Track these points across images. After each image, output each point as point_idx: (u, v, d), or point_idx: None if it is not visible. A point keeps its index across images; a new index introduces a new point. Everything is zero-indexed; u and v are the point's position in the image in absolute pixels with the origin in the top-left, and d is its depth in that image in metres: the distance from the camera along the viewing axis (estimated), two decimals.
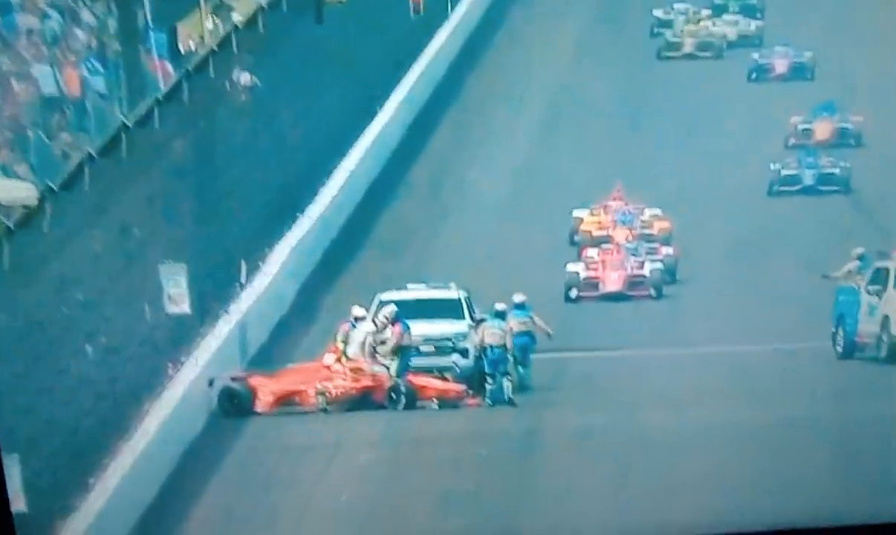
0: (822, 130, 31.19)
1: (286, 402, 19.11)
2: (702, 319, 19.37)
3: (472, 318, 20.22)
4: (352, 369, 19.65)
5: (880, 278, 19.95)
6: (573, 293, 20.67)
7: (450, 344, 19.69)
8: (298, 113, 25.88)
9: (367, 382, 19.45)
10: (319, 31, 27.15)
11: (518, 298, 19.27)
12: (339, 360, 19.63)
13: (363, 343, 19.26)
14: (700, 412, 16.30)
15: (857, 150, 27.76)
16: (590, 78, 32.09)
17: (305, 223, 24.92)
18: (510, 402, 17.99)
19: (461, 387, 19.14)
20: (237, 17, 23.13)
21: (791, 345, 18.26)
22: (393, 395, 18.88)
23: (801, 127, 31.25)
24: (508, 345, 18.22)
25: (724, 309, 19.65)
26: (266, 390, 19.25)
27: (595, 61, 33.32)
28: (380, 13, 32.35)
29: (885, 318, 19.56)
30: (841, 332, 19.93)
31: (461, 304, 20.37)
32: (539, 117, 32.16)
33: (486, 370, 18.44)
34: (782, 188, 26.89)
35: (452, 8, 41.24)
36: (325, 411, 18.67)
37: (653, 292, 20.77)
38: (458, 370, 19.40)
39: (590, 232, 24.29)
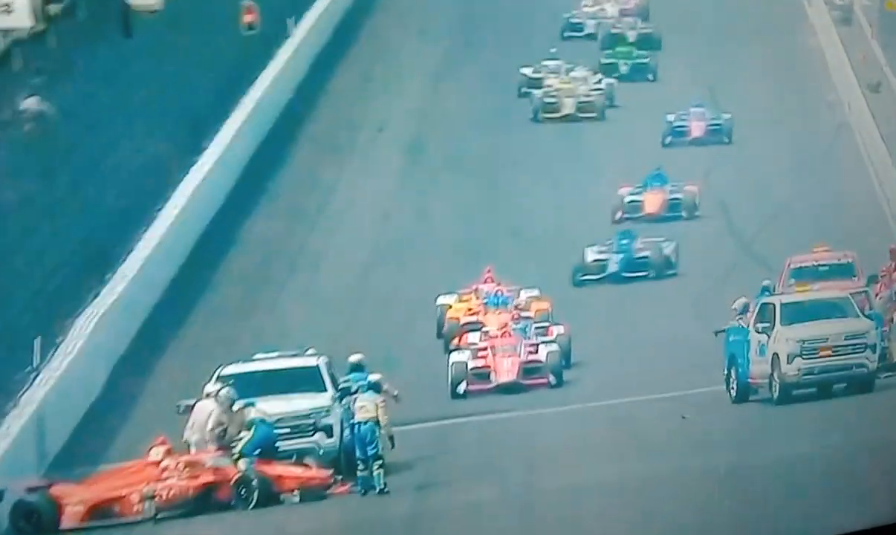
0: (652, 201, 31.99)
1: (102, 513, 18.05)
2: (590, 376, 19.62)
3: (335, 388, 19.46)
4: (187, 464, 18.69)
5: (766, 315, 20.99)
6: (462, 388, 20.58)
7: (309, 422, 18.87)
8: (103, 146, 24.92)
9: (207, 477, 18.49)
10: (129, 45, 26.32)
11: (354, 358, 18.67)
12: (168, 454, 18.69)
13: (207, 428, 18.29)
14: (595, 470, 16.57)
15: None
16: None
17: (117, 285, 24.01)
18: (382, 491, 17.28)
19: (326, 473, 18.33)
20: (17, 22, 21.52)
21: (686, 391, 18.99)
22: (242, 490, 17.95)
23: (629, 199, 32.02)
24: (381, 420, 17.50)
25: (612, 365, 20.02)
26: (74, 499, 18.12)
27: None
28: (204, 27, 31.70)
29: (775, 356, 20.59)
30: (734, 374, 20.97)
31: (320, 372, 19.59)
32: (400, 162, 32.98)
33: (357, 453, 17.65)
34: (584, 277, 27.48)
35: (296, 23, 40.81)
36: (155, 518, 17.70)
37: (552, 378, 20.90)
38: (322, 453, 18.59)
39: (457, 319, 24.18)
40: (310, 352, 20.20)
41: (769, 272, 21.00)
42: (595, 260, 27.11)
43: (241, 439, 18.29)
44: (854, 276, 24.02)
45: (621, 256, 27.91)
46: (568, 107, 39.19)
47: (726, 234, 28.40)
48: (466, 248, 25.72)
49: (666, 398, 18.56)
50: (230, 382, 19.12)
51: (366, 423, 18.04)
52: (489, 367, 20.41)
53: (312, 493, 18.44)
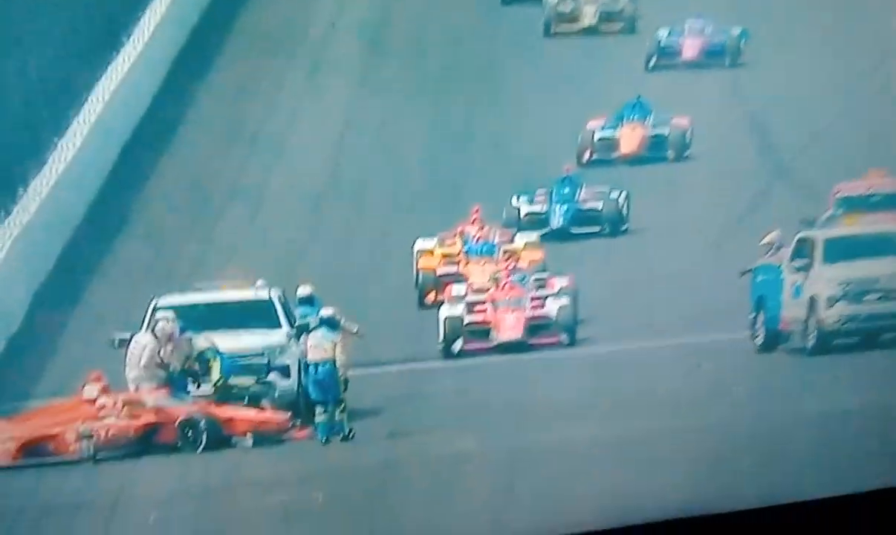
0: (630, 138, 28.93)
1: (35, 450, 18.51)
2: (597, 314, 19.45)
3: (291, 324, 19.75)
4: (126, 403, 19.04)
5: (805, 251, 20.31)
6: (456, 346, 19.86)
7: (263, 361, 19.23)
8: (9, 46, 24.63)
9: (148, 417, 18.96)
10: None
11: (303, 291, 18.49)
12: (105, 392, 19.01)
13: (141, 364, 18.55)
14: (590, 423, 16.52)
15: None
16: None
17: (31, 204, 23.85)
18: (347, 436, 17.64)
19: (283, 416, 18.80)
20: None
21: (702, 338, 18.50)
22: (188, 432, 18.40)
23: (599, 136, 29.03)
24: (340, 361, 17.79)
25: (623, 302, 19.82)
26: (4, 436, 18.63)
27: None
28: None
29: (812, 299, 19.92)
30: (761, 318, 20.20)
31: (274, 306, 19.81)
32: (359, 67, 31.05)
33: (313, 396, 18.01)
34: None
35: None
36: (94, 459, 18.20)
37: (564, 337, 20.11)
38: (278, 395, 19.00)
39: (432, 270, 22.65)
40: (259, 284, 20.24)
41: (810, 203, 20.36)
42: (529, 214, 26.79)
43: (208, 376, 18.42)
44: None
45: (565, 207, 25.77)
46: (589, 17, 35.66)
47: (737, 173, 25.99)
48: (443, 181, 25.95)
49: (678, 345, 18.32)
50: (170, 313, 19.24)
51: (323, 364, 18.25)
52: (489, 323, 19.91)
53: (268, 437, 18.83)
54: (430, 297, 21.70)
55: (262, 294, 20.30)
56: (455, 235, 23.25)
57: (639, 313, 19.57)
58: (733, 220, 20.76)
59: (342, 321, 18.53)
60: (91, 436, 18.40)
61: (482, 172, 26.50)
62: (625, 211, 25.96)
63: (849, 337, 19.52)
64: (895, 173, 21.22)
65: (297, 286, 18.25)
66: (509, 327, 20.49)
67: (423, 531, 15.30)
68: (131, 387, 19.44)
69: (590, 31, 34.60)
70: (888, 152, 21.18)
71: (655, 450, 16.33)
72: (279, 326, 20.15)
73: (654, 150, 28.30)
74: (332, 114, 28.70)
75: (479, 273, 22.08)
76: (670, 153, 27.61)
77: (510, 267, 21.92)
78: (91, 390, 18.97)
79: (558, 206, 25.58)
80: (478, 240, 22.81)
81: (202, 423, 19.38)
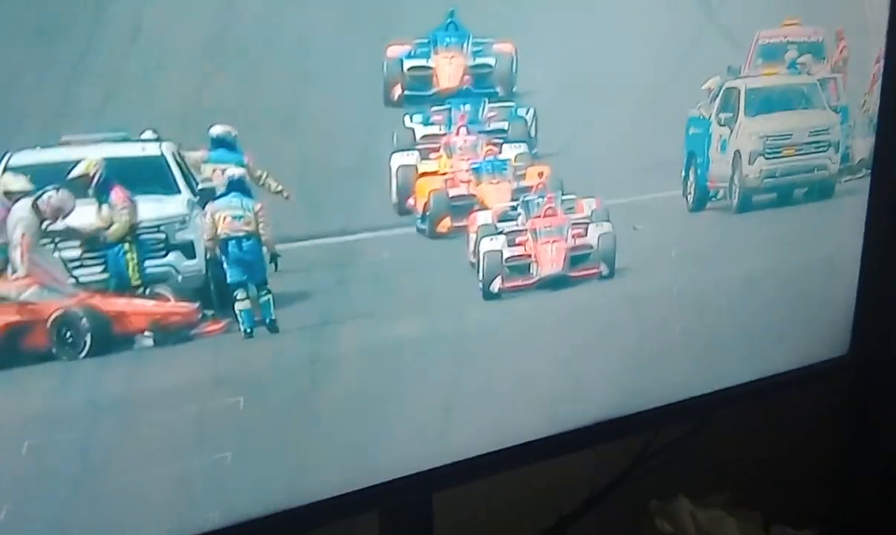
0: (450, 71, 25.20)
1: None
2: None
3: (193, 189, 15.35)
4: None
5: (730, 103, 18.80)
6: (496, 286, 16.83)
7: (159, 237, 14.84)
8: None
9: (9, 316, 14.79)
10: None
11: (217, 130, 14.02)
12: None
13: (17, 234, 14.18)
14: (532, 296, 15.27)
15: None
16: None
17: None
18: (272, 325, 13.80)
19: (190, 306, 14.62)
20: None
21: (636, 197, 17.02)
22: (65, 332, 14.26)
23: (410, 66, 25.02)
24: (263, 234, 13.81)
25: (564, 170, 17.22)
26: None
27: None
28: None
29: (736, 154, 18.63)
30: (692, 176, 19.09)
31: (167, 164, 15.23)
32: None
33: (231, 279, 13.91)
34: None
35: None
36: None
37: (604, 268, 17.51)
38: (181, 279, 14.76)
39: (443, 191, 18.75)
40: (147, 135, 15.38)
41: (737, 51, 18.57)
42: (427, 136, 21.57)
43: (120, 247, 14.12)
44: (823, 58, 21.70)
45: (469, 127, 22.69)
46: None
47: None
48: None
49: (614, 207, 16.10)
50: (27, 175, 14.66)
51: (246, 238, 14.18)
52: (530, 256, 16.86)
53: (172, 334, 14.70)
54: (444, 225, 17.94)
55: (151, 149, 15.60)
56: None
57: (577, 177, 17.47)
58: (667, 71, 19.07)
59: (264, 177, 14.47)
60: None
61: None
62: (533, 131, 22.08)
63: (768, 193, 18.97)
64: (809, 22, 20.14)
65: (209, 127, 13.86)
66: (550, 260, 17.94)
67: (363, 434, 13.01)
68: None
69: None
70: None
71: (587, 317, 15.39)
72: (177, 191, 15.58)
73: (478, 85, 24.18)
74: None
75: (494, 195, 18.44)
76: (499, 89, 23.21)
77: (537, 186, 18.69)
78: None
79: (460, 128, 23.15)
80: (487, 157, 18.99)
81: (84, 319, 15.07)
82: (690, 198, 18.45)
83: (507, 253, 17.41)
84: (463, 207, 17.19)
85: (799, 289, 15.40)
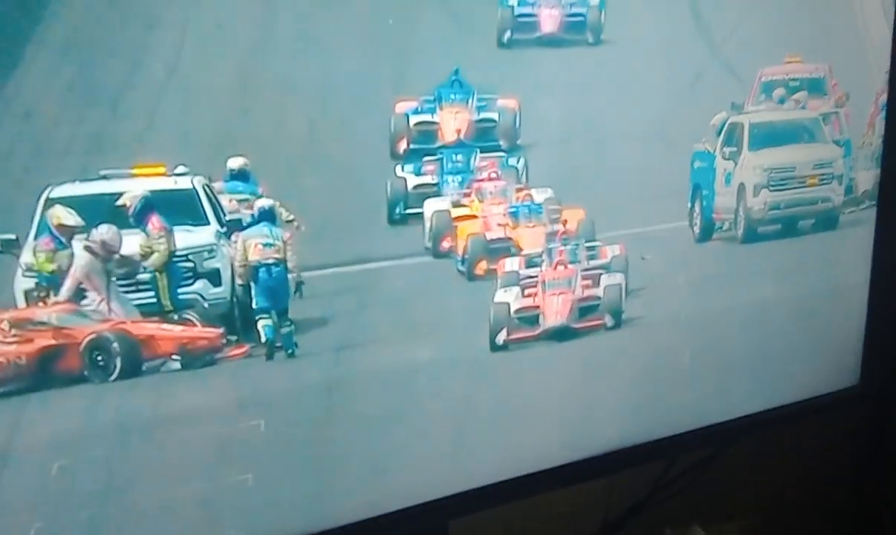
0: (454, 126, 25.59)
1: None
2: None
3: (220, 221, 16.07)
4: (13, 323, 15.48)
5: (734, 137, 19.37)
6: (501, 338, 16.64)
7: (188, 266, 15.59)
8: None
9: (45, 340, 15.43)
10: None
11: (235, 163, 14.58)
12: None
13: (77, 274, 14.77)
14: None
15: None
16: None
17: None
18: (292, 351, 14.39)
19: (216, 331, 15.29)
20: None
21: (645, 228, 17.11)
22: (97, 356, 14.90)
23: (417, 121, 25.15)
24: (291, 263, 14.45)
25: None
26: None
27: None
28: None
29: (741, 187, 19.13)
30: (698, 207, 19.58)
31: (198, 197, 16.00)
32: None
33: (256, 305, 14.55)
34: (407, 212, 21.27)
35: None
36: None
37: (609, 320, 17.17)
38: (208, 305, 15.43)
39: (481, 235, 18.88)
40: (180, 170, 16.28)
41: (741, 87, 19.11)
42: (419, 186, 21.37)
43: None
44: (825, 93, 22.25)
45: (459, 178, 22.35)
46: None
47: None
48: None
49: (621, 237, 16.49)
50: (75, 208, 15.50)
51: (276, 265, 14.79)
52: (538, 307, 16.68)
53: (198, 357, 15.37)
54: (482, 267, 17.61)
55: (183, 183, 16.47)
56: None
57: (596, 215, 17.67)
58: (674, 105, 19.37)
59: (276, 207, 15.10)
60: None
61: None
62: (524, 180, 21.78)
63: (773, 224, 19.26)
64: (810, 59, 20.47)
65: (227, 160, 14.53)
66: (556, 312, 17.49)
67: (381, 459, 13.32)
68: (21, 304, 15.70)
69: None
70: (802, 38, 20.24)
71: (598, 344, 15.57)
72: (206, 222, 16.39)
73: (481, 138, 24.08)
74: None
75: (530, 238, 18.23)
76: (503, 142, 23.01)
77: (561, 233, 18.23)
78: None
79: (451, 177, 22.95)
80: (523, 200, 18.61)
81: (115, 344, 15.76)
82: (696, 229, 18.88)
83: (515, 305, 17.55)
84: (499, 249, 17.31)
85: (807, 319, 15.63)
